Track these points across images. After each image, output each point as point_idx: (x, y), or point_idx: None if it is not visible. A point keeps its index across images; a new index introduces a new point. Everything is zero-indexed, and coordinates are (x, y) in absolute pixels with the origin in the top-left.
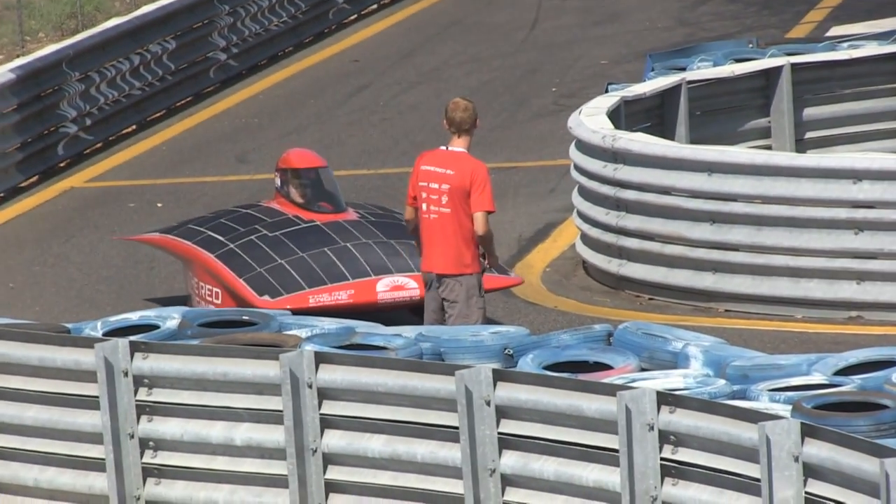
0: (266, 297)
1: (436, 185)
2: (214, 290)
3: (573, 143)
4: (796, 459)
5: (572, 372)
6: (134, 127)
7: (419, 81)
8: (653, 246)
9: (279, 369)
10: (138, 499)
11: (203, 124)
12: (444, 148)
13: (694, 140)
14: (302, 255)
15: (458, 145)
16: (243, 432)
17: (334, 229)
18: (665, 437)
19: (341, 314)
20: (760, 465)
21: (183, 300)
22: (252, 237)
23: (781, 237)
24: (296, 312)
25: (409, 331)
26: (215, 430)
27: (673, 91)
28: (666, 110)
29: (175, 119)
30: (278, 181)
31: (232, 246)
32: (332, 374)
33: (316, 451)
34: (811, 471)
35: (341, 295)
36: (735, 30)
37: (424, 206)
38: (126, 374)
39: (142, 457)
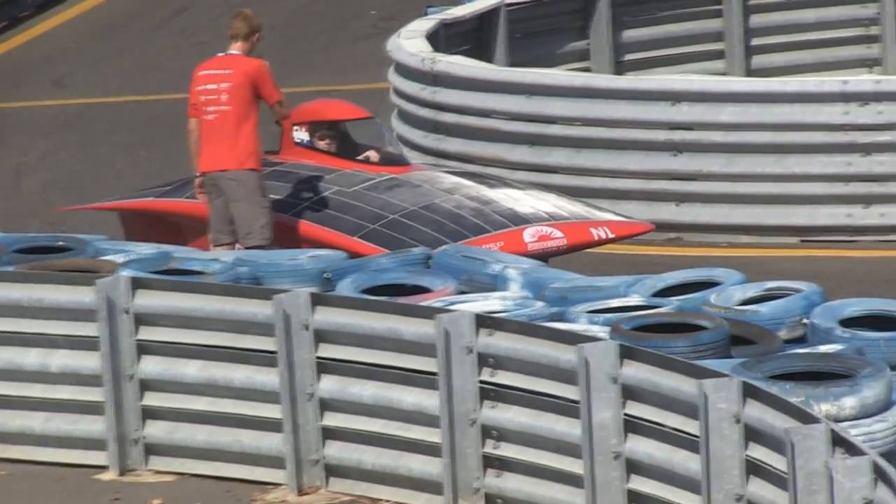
0: None
1: (214, 86)
2: None
3: (392, 67)
4: (614, 381)
5: (391, 295)
6: None
7: (238, 3)
8: (473, 169)
9: (95, 295)
10: None
11: (18, 48)
12: (221, 53)
13: (513, 63)
14: (415, 209)
15: (235, 49)
16: (59, 359)
17: (421, 180)
18: (484, 360)
19: None
20: (579, 387)
21: None
22: (324, 194)
23: (600, 159)
24: None
25: (227, 255)
26: (30, 357)
27: (492, 14)
28: (485, 33)
29: None
30: (305, 135)
31: (307, 205)
32: (149, 300)
33: (133, 376)
34: (630, 392)
35: (493, 246)
36: None
37: (205, 110)
38: None
39: None
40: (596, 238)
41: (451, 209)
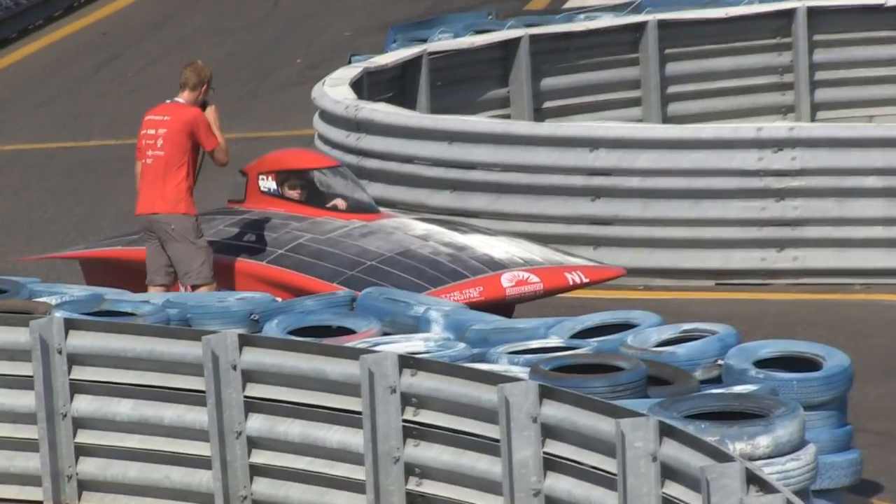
0: None
1: (153, 131)
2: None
3: (317, 113)
4: (535, 420)
5: (317, 337)
6: None
7: (167, 53)
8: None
9: (29, 335)
10: None
11: None
12: (168, 101)
13: (435, 110)
14: (397, 253)
15: (182, 97)
16: None
17: (393, 227)
18: (407, 400)
19: None
20: (500, 426)
21: None
22: (300, 241)
23: (520, 204)
24: None
25: (157, 297)
26: None
27: (414, 62)
28: (407, 81)
29: None
30: (272, 183)
31: (283, 251)
32: (82, 340)
33: (66, 415)
34: (549, 431)
35: (472, 292)
36: (475, 2)
37: (145, 154)
38: None
39: None
40: (571, 283)
41: (427, 255)
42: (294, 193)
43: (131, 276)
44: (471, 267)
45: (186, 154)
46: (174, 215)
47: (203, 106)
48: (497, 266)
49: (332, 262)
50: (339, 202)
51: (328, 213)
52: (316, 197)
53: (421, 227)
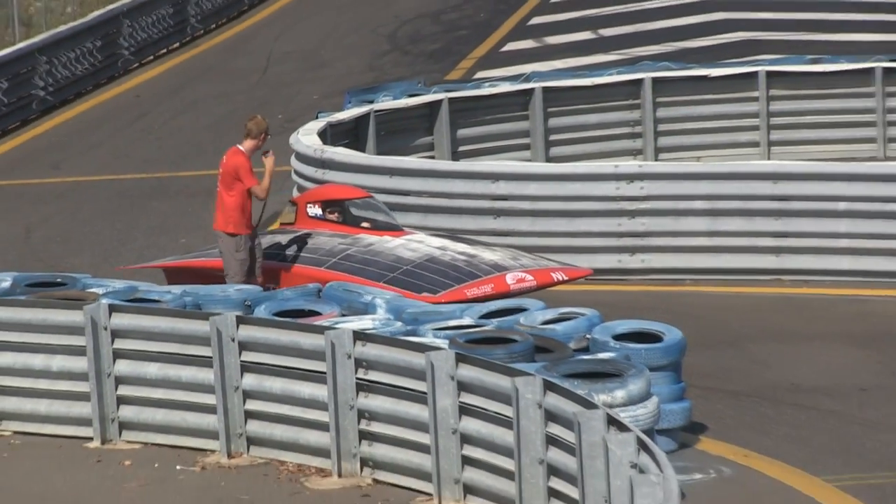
0: (426, 294)
1: (219, 169)
2: None
3: (293, 155)
4: (452, 378)
5: (293, 317)
6: None
7: (184, 110)
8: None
9: (83, 317)
10: None
11: (27, 142)
12: (233, 146)
13: (380, 152)
14: (424, 260)
15: (242, 144)
16: (58, 361)
17: (414, 241)
18: (359, 363)
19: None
20: (427, 382)
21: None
22: (347, 252)
23: (442, 221)
24: (451, 303)
25: (176, 289)
26: (36, 360)
27: (364, 117)
28: (360, 130)
29: (7, 139)
30: (318, 210)
31: (336, 260)
32: (121, 320)
33: (110, 374)
34: (463, 386)
35: (486, 288)
36: (409, 73)
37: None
38: None
39: None
40: (555, 280)
41: (448, 261)
42: (334, 217)
43: (206, 279)
44: (482, 269)
45: (235, 188)
46: (222, 233)
47: (265, 152)
48: (501, 268)
49: (376, 267)
50: (371, 223)
51: (363, 230)
52: (352, 219)
53: (437, 241)
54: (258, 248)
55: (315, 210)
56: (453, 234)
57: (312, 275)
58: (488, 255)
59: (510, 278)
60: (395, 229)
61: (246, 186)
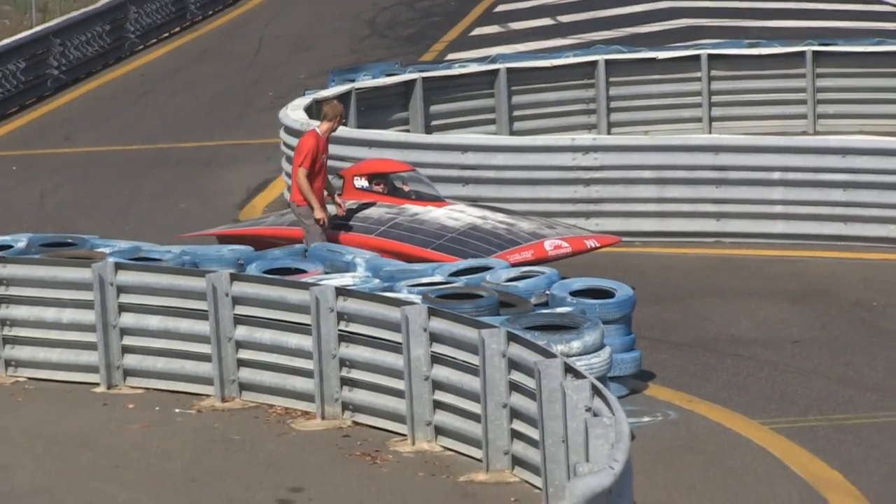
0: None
1: None
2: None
3: (282, 129)
4: (425, 330)
5: (282, 275)
6: None
7: (184, 88)
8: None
9: (91, 274)
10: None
11: (42, 116)
12: (310, 127)
13: (360, 126)
14: (468, 228)
15: (318, 126)
16: (68, 314)
17: (456, 211)
18: (341, 316)
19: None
20: (402, 333)
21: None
22: (395, 220)
23: (417, 188)
24: None
25: (176, 248)
26: (49, 313)
27: (346, 94)
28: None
29: (24, 114)
30: (365, 182)
31: (385, 228)
32: (126, 277)
33: (115, 326)
34: (435, 337)
35: (527, 254)
36: (387, 55)
37: None
38: None
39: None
40: (589, 247)
41: (490, 229)
42: (380, 188)
43: (259, 246)
44: (522, 237)
45: (299, 163)
46: (292, 203)
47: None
48: (539, 236)
49: (423, 234)
50: (414, 194)
51: (409, 201)
52: (396, 191)
53: (477, 212)
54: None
55: (362, 182)
56: (491, 205)
57: (364, 241)
58: (526, 224)
59: (548, 245)
60: (437, 200)
61: (295, 165)
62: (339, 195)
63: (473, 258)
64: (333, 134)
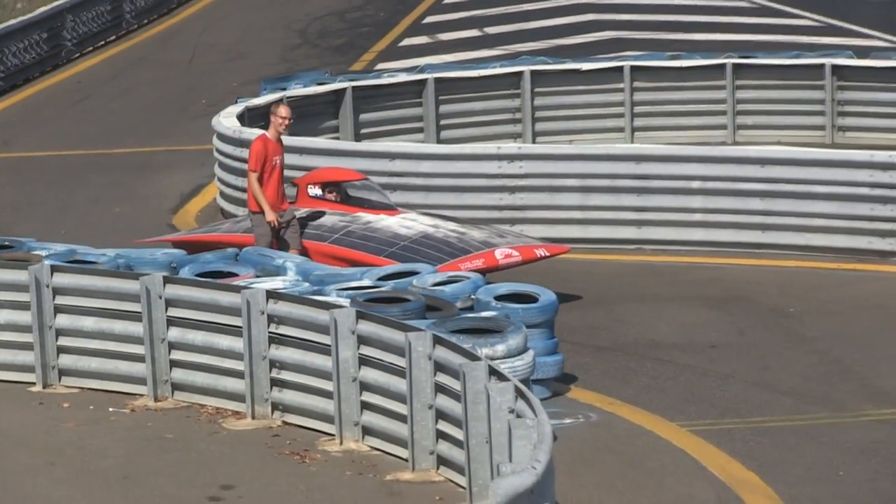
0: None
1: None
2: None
3: (215, 135)
4: (353, 333)
5: (214, 278)
6: None
7: (120, 95)
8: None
9: (28, 275)
10: None
11: None
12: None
13: (292, 134)
14: (419, 236)
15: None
16: (4, 315)
17: (408, 220)
18: (271, 319)
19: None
20: (331, 336)
21: None
22: (348, 228)
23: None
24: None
25: (111, 251)
26: None
27: (278, 102)
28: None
29: None
30: (318, 190)
31: (338, 236)
32: (62, 279)
33: (51, 327)
34: (363, 340)
35: (478, 262)
36: (318, 65)
37: None
38: None
39: None
40: (538, 256)
41: (441, 238)
42: (332, 196)
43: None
44: (473, 246)
45: (249, 167)
46: (248, 209)
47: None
48: (490, 245)
49: (375, 242)
50: (367, 202)
51: (361, 209)
52: (349, 199)
53: (429, 220)
54: (288, 227)
55: (315, 191)
56: (442, 214)
57: (317, 249)
58: (476, 233)
59: (499, 254)
60: (389, 208)
61: (248, 169)
62: (293, 203)
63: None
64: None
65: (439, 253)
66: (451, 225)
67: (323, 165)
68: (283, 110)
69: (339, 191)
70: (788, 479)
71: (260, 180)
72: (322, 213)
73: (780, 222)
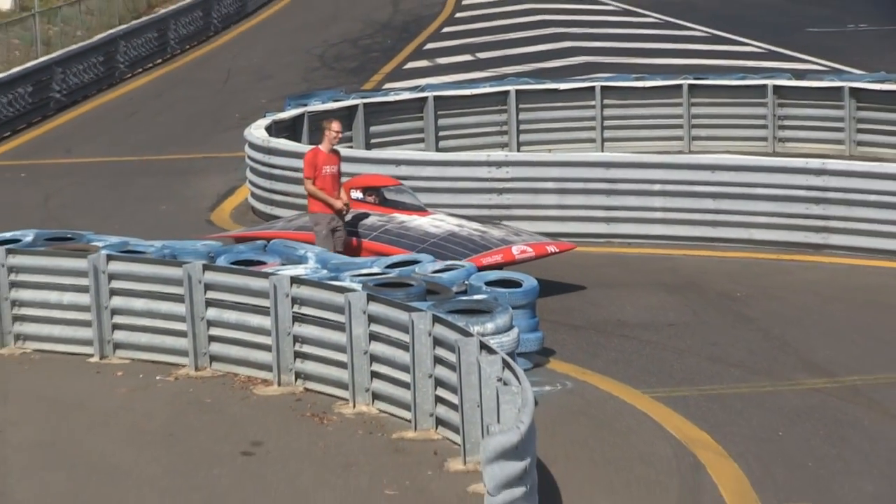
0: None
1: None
2: None
3: (246, 144)
4: (364, 313)
5: (246, 265)
6: (8, 134)
7: (164, 110)
8: (297, 200)
9: (87, 263)
10: None
11: (45, 133)
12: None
13: (311, 143)
14: (447, 234)
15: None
16: (69, 297)
17: (436, 220)
18: (295, 300)
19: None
20: (345, 315)
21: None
22: (386, 227)
23: (404, 199)
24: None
25: (158, 243)
26: (53, 296)
27: (300, 117)
28: (297, 127)
29: (30, 130)
30: (359, 194)
31: (377, 233)
32: (116, 266)
33: (107, 307)
34: (373, 318)
35: (497, 257)
36: (334, 84)
37: None
38: (2, 266)
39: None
40: (549, 252)
41: (466, 235)
42: (372, 199)
43: None
44: (493, 243)
45: (304, 176)
46: (308, 212)
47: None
48: (507, 242)
49: (409, 239)
50: (402, 204)
51: (396, 210)
52: (386, 202)
53: (454, 220)
54: (342, 228)
55: (357, 194)
56: (466, 215)
57: (359, 244)
58: (496, 232)
59: (515, 250)
60: (421, 210)
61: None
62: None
63: (452, 260)
64: (289, 149)
65: (464, 249)
66: (474, 225)
67: (382, 174)
68: (336, 125)
69: (378, 194)
70: (735, 438)
71: (314, 185)
72: (363, 214)
73: (728, 219)
